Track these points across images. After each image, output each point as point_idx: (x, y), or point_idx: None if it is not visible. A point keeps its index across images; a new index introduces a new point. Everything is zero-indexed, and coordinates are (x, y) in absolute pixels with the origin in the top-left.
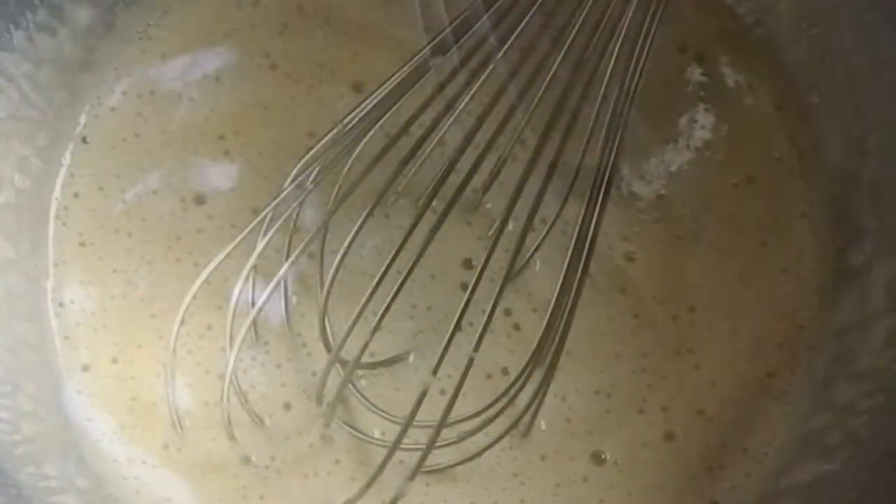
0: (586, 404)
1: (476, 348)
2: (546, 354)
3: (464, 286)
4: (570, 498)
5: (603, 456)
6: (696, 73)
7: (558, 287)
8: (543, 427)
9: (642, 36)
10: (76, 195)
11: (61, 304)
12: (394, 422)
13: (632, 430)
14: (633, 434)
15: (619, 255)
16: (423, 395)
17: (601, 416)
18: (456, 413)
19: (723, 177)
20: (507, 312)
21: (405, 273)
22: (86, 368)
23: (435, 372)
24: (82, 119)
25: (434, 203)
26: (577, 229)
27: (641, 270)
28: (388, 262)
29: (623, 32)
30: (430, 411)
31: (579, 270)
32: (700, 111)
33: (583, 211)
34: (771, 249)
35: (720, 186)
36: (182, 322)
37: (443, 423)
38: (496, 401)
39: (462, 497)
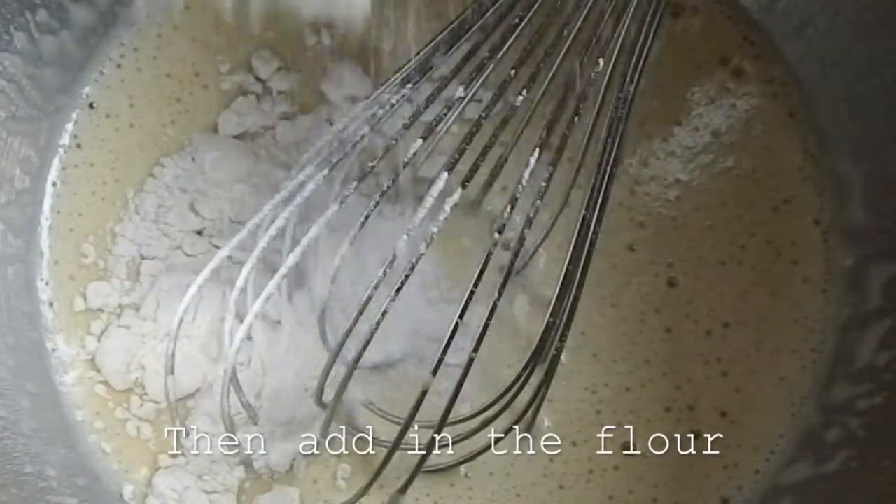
0: (616, 399)
1: (476, 348)
2: (547, 353)
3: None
4: (603, 485)
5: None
6: (737, 89)
7: (558, 286)
8: (551, 421)
9: (641, 38)
10: (74, 191)
11: (58, 303)
12: (394, 422)
13: (659, 426)
14: (660, 430)
15: (662, 281)
16: (423, 395)
17: (630, 410)
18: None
19: (765, 200)
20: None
21: (406, 272)
22: (83, 367)
23: (434, 372)
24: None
25: (434, 201)
26: (577, 231)
27: (681, 294)
28: (388, 260)
29: (622, 35)
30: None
31: (579, 270)
32: (748, 133)
33: (581, 214)
34: (801, 266)
35: (763, 211)
36: (181, 320)
37: (442, 424)
38: (496, 400)
39: (507, 487)
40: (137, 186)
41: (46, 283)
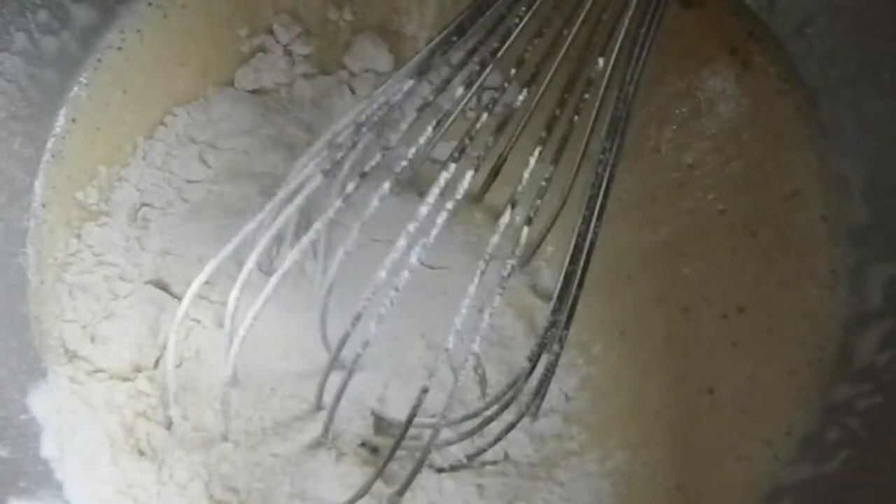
0: (639, 382)
1: (476, 346)
2: (549, 348)
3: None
4: (625, 472)
5: (652, 436)
6: (745, 82)
7: (558, 286)
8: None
9: (640, 38)
10: (69, 178)
11: (54, 302)
12: (394, 422)
13: (681, 409)
14: (682, 413)
15: (677, 262)
16: (423, 394)
17: (653, 394)
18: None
19: (774, 190)
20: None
21: (406, 272)
22: (83, 365)
23: (432, 374)
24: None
25: (434, 199)
26: (576, 230)
27: (696, 276)
28: (390, 258)
29: (622, 35)
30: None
31: (580, 266)
32: (756, 125)
33: (581, 213)
34: (809, 260)
35: (773, 200)
36: (183, 319)
37: (441, 422)
38: (495, 400)
39: (521, 485)
40: (147, 134)
41: (42, 282)
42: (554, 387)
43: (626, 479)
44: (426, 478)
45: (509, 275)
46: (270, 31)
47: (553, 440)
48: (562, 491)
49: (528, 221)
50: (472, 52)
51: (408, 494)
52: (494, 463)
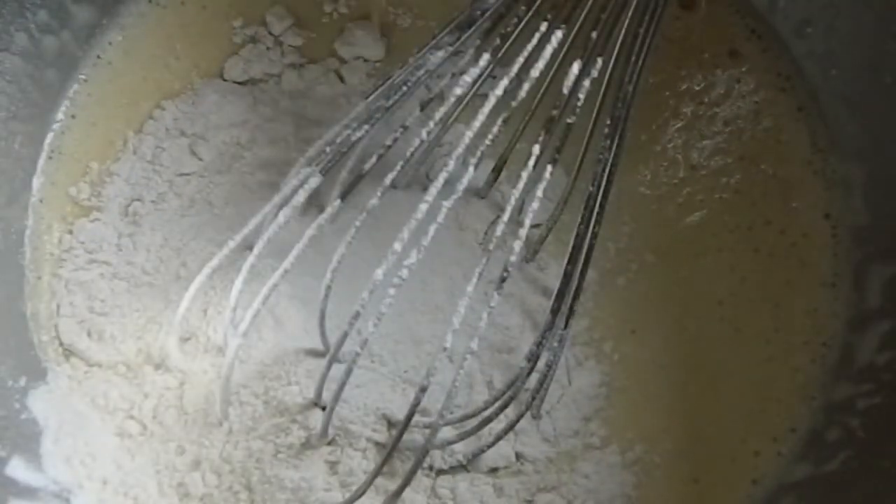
0: (652, 379)
1: (475, 344)
2: (551, 342)
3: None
4: (643, 468)
5: (667, 429)
6: (746, 81)
7: (556, 288)
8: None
9: (640, 38)
10: (66, 174)
11: (50, 297)
12: (391, 420)
13: (694, 404)
14: (695, 409)
15: (684, 264)
16: (422, 393)
17: (665, 389)
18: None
19: (776, 191)
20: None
21: (404, 272)
22: (78, 371)
23: (430, 373)
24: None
25: (434, 198)
26: (575, 231)
27: (703, 276)
28: (389, 257)
29: (621, 35)
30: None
31: (579, 266)
32: (758, 125)
33: (581, 214)
34: (812, 259)
35: (776, 200)
36: (183, 317)
37: (439, 421)
38: (494, 401)
39: (536, 483)
40: (137, 128)
41: (39, 278)
42: (555, 386)
43: (646, 470)
44: (440, 480)
45: (508, 274)
46: (264, 23)
47: (570, 437)
48: (587, 482)
49: (528, 221)
50: (472, 51)
51: (419, 498)
52: (507, 467)
